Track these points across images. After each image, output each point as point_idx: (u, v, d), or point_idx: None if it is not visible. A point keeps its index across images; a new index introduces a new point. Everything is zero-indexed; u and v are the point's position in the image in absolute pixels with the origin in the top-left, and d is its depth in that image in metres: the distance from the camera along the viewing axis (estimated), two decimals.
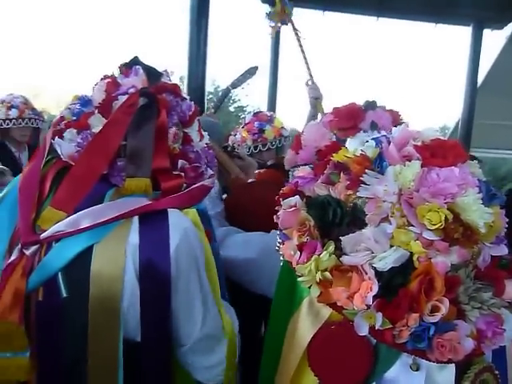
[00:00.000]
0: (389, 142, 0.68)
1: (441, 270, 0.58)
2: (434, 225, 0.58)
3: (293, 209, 0.72)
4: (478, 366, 0.63)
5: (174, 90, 0.84)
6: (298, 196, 0.73)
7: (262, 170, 1.50)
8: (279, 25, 2.03)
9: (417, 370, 0.62)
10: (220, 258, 0.94)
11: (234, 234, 1.18)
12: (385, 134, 0.72)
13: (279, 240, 0.75)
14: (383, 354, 0.61)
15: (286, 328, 0.69)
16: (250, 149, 1.89)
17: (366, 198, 0.65)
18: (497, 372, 0.66)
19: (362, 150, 0.69)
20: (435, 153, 0.64)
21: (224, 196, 1.37)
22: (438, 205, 0.58)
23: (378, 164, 0.66)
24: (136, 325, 0.72)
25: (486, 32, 5.51)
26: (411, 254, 0.60)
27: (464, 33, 5.58)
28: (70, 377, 0.71)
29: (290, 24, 2.01)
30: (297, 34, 2.01)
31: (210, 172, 0.88)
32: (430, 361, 0.59)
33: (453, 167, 0.61)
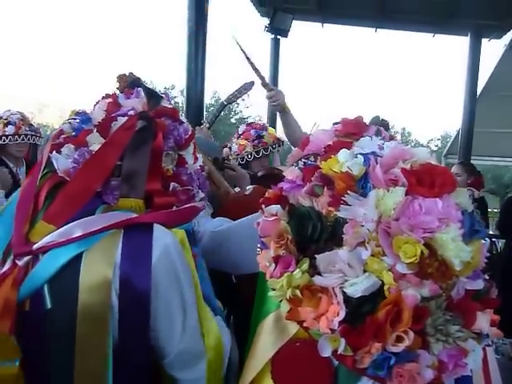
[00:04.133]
0: (377, 161, 0.66)
1: (410, 303, 0.58)
2: (409, 258, 0.57)
3: (273, 218, 0.72)
4: None
5: (173, 114, 0.86)
6: (279, 205, 0.72)
7: (250, 188, 1.50)
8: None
9: None
10: (207, 276, 0.94)
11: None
12: (375, 150, 0.69)
13: (259, 246, 0.75)
14: (344, 375, 0.63)
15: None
16: (251, 155, 1.89)
17: (346, 218, 0.63)
18: None
19: (348, 167, 0.67)
20: (422, 180, 0.62)
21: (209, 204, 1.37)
22: (416, 239, 0.57)
23: (362, 184, 0.64)
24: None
25: (484, 41, 5.49)
26: (382, 282, 0.59)
27: (462, 42, 5.57)
28: None
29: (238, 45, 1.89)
30: (242, 50, 1.90)
31: (202, 195, 0.90)
32: None
33: (437, 199, 0.59)
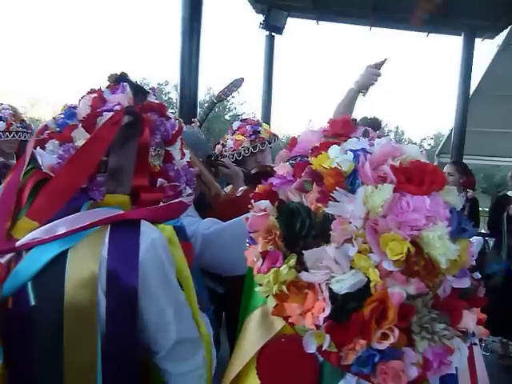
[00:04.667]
0: (366, 158, 0.66)
1: (396, 300, 0.58)
2: (395, 255, 0.57)
3: (262, 213, 0.71)
4: None
5: (160, 109, 0.85)
6: (268, 201, 0.71)
7: (242, 190, 1.49)
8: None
9: None
10: (198, 272, 0.94)
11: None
12: (365, 146, 0.68)
13: (248, 241, 0.74)
14: (328, 371, 0.63)
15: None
16: (248, 150, 1.88)
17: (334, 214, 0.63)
18: None
19: (337, 163, 0.66)
20: (411, 177, 0.62)
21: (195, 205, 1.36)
22: (402, 236, 0.57)
23: (350, 181, 0.64)
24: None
25: (478, 41, 5.49)
26: (369, 280, 0.59)
27: (456, 42, 5.55)
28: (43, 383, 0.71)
29: None
30: None
31: (189, 191, 0.89)
32: None
33: (425, 197, 0.59)
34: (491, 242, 3.60)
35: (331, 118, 0.86)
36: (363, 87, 1.79)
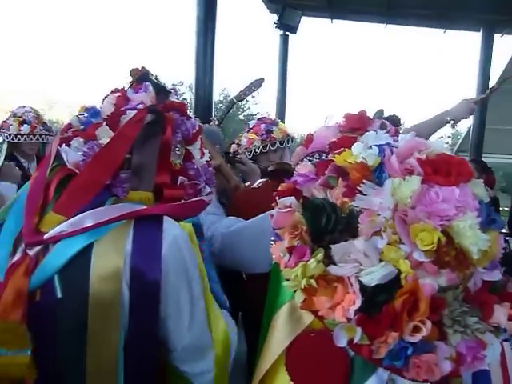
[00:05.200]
0: (392, 152, 0.66)
1: (427, 292, 0.57)
2: (426, 246, 0.56)
3: (287, 209, 0.71)
4: None
5: (181, 108, 0.87)
6: (293, 197, 0.72)
7: (261, 182, 1.49)
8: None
9: None
10: (213, 268, 0.95)
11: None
12: (390, 141, 0.69)
13: (272, 238, 0.75)
14: (359, 366, 0.62)
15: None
16: (258, 149, 1.89)
17: (361, 208, 0.63)
18: None
19: (363, 158, 0.67)
20: (438, 169, 0.62)
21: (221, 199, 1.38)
22: (433, 226, 0.57)
23: (377, 174, 0.64)
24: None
25: (497, 37, 5.35)
26: (399, 271, 0.59)
27: (474, 38, 5.44)
28: (67, 377, 0.72)
29: None
30: None
31: (208, 189, 0.90)
32: (405, 378, 0.59)
33: (454, 187, 0.59)
34: None
35: (347, 113, 0.86)
36: (455, 119, 1.78)
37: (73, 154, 0.81)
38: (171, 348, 0.78)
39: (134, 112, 0.81)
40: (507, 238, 3.60)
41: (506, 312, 0.64)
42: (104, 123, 0.82)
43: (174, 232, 0.76)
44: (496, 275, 0.62)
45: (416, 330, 0.58)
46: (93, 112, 0.84)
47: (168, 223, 0.77)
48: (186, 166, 0.87)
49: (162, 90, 0.88)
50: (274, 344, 0.67)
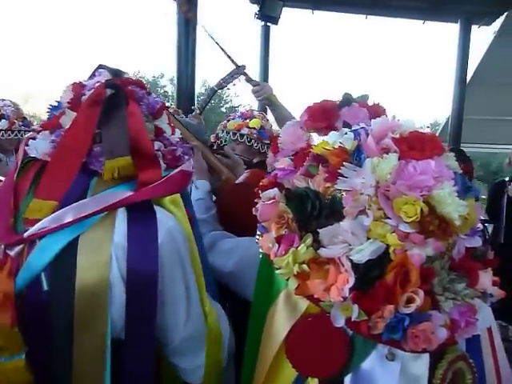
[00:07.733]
0: (367, 134, 0.68)
1: (416, 262, 0.59)
2: (410, 217, 0.58)
3: (271, 201, 0.72)
4: (451, 354, 0.64)
5: (140, 83, 0.86)
6: (276, 188, 0.73)
7: (248, 172, 1.49)
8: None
9: (392, 359, 0.63)
10: (206, 255, 0.94)
11: (221, 239, 1.16)
12: (363, 126, 0.71)
13: (258, 232, 0.75)
14: (359, 345, 0.62)
15: (264, 322, 0.69)
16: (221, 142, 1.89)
17: (344, 190, 0.65)
18: (471, 361, 0.68)
19: (340, 143, 0.69)
20: (413, 145, 0.64)
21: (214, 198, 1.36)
22: (414, 197, 0.59)
23: (356, 156, 0.66)
24: (120, 321, 0.71)
25: (474, 28, 5.54)
26: (387, 246, 0.60)
27: (452, 29, 5.64)
28: (56, 370, 0.69)
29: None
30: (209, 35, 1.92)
31: (187, 157, 0.88)
32: (405, 351, 0.60)
33: (429, 160, 0.62)
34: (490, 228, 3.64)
35: (309, 105, 0.85)
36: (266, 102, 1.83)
37: (41, 144, 0.79)
38: (168, 341, 0.77)
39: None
40: (486, 225, 3.76)
41: (490, 277, 0.67)
42: (67, 109, 0.81)
43: (168, 224, 0.75)
44: (477, 241, 0.65)
45: (410, 300, 0.59)
46: (53, 107, 0.84)
47: (161, 214, 0.76)
48: (159, 140, 0.85)
49: (118, 72, 0.88)
50: (272, 336, 0.66)
